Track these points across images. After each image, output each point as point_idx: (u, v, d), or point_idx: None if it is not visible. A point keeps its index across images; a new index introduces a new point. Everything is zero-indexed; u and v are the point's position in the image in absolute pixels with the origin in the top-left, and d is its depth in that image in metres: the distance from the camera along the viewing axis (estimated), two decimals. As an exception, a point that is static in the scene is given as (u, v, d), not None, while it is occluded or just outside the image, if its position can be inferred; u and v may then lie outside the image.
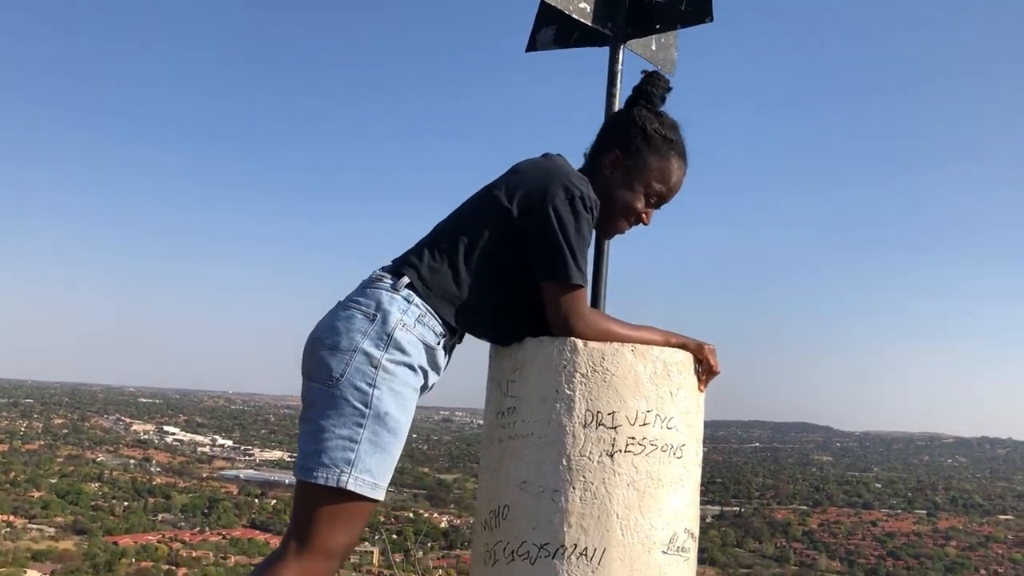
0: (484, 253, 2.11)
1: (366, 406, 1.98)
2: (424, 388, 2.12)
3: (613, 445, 2.04)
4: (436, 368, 2.14)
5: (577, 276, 2.08)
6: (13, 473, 75.30)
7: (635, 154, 2.22)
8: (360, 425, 1.97)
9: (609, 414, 2.05)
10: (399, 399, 2.03)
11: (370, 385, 1.99)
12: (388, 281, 2.09)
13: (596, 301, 2.54)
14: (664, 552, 2.06)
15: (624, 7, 2.57)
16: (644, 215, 2.27)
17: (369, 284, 2.11)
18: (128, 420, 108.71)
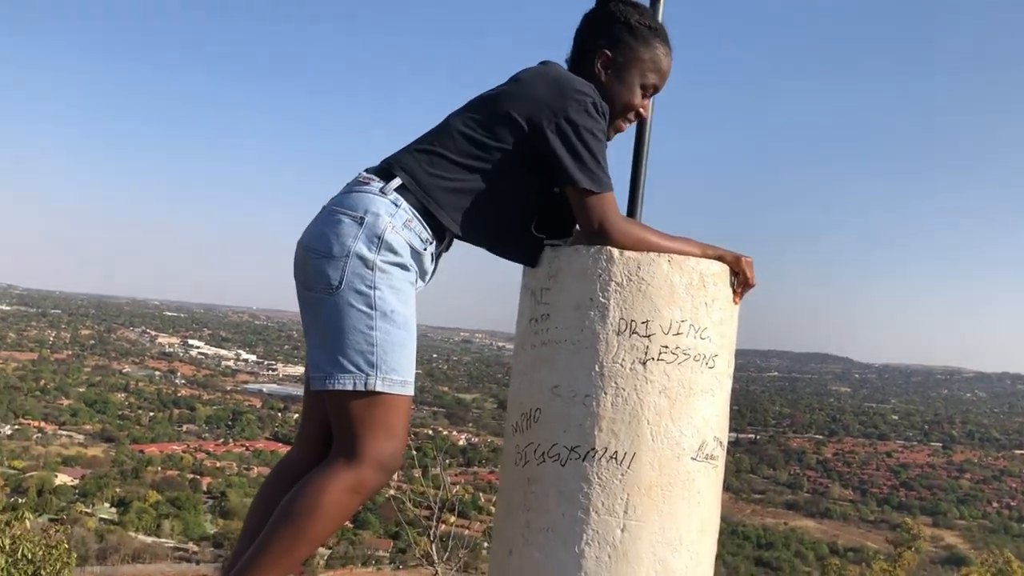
0: (489, 160, 2.08)
1: (371, 307, 1.97)
2: (416, 284, 2.10)
3: (646, 353, 2.04)
4: (423, 273, 2.12)
5: (605, 181, 2.07)
6: (43, 381, 77.18)
7: (624, 49, 2.19)
8: (371, 327, 1.97)
9: (643, 323, 2.05)
10: (400, 295, 2.02)
11: (370, 287, 1.97)
12: (376, 184, 2.05)
13: (633, 205, 2.51)
14: (693, 459, 2.08)
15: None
16: (643, 108, 2.25)
17: (355, 187, 2.08)
18: (153, 333, 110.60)
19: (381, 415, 1.98)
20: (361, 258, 1.98)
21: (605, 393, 2.03)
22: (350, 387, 1.95)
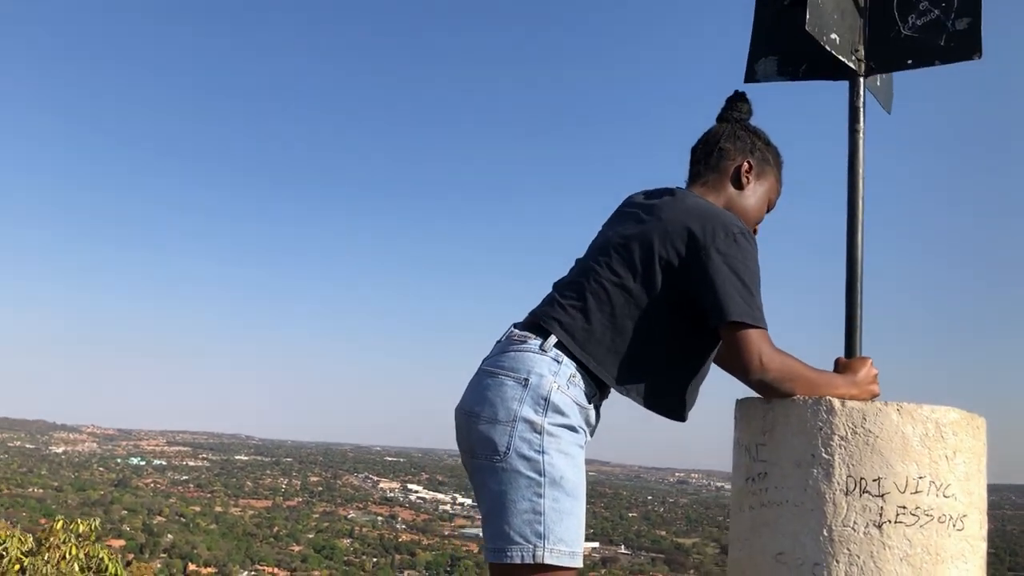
0: (640, 308, 2.00)
1: (540, 474, 1.88)
2: (584, 444, 2.01)
3: (881, 515, 1.84)
4: (590, 427, 2.03)
5: (760, 315, 1.94)
6: (276, 528, 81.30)
7: (762, 164, 2.22)
8: (539, 495, 1.88)
9: (874, 480, 1.85)
10: (570, 460, 1.92)
11: (539, 452, 1.89)
12: (534, 341, 1.99)
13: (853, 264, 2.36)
14: (948, 638, 1.82)
15: (869, 38, 2.40)
16: (760, 224, 2.26)
17: (510, 345, 2.02)
18: (375, 478, 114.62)
19: None
20: (528, 422, 1.91)
21: (837, 561, 1.84)
22: (518, 560, 1.86)
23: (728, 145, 2.22)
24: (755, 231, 2.23)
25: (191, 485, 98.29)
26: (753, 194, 2.20)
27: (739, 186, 2.19)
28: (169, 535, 70.00)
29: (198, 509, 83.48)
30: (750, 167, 2.20)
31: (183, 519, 78.05)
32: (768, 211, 2.26)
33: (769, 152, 2.24)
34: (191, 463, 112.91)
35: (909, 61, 2.37)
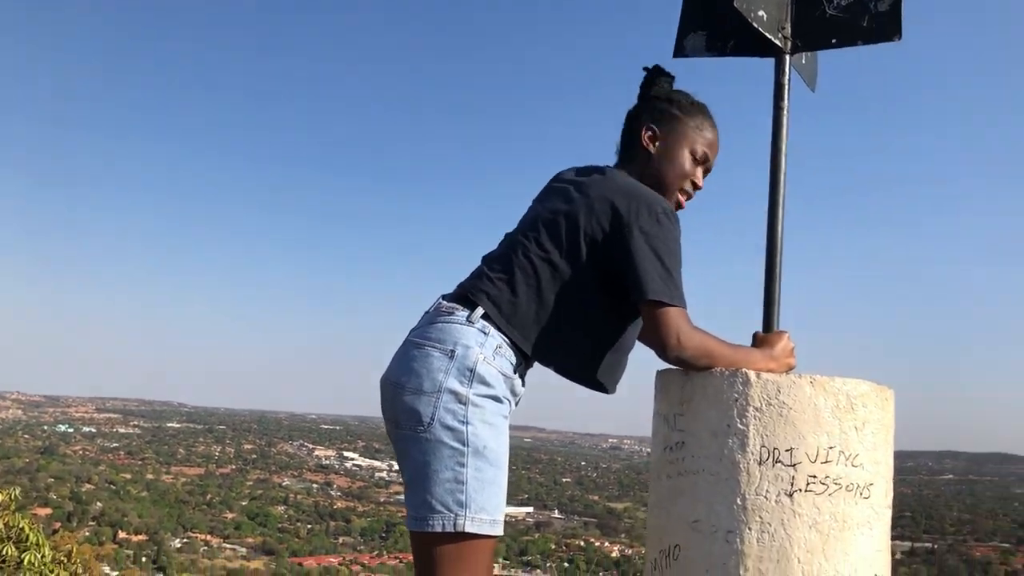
0: (562, 279, 2.03)
1: (463, 444, 1.91)
2: (508, 415, 2.05)
3: (792, 484, 1.89)
4: (516, 397, 2.07)
5: (679, 295, 1.99)
6: (209, 495, 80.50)
7: (670, 121, 2.21)
8: (462, 465, 1.91)
9: (787, 450, 1.91)
10: (494, 430, 1.96)
11: (462, 422, 1.92)
12: (461, 313, 2.02)
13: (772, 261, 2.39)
14: (852, 601, 1.89)
15: (795, 16, 2.44)
16: (696, 179, 2.22)
17: (438, 317, 2.04)
18: (311, 446, 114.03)
19: (467, 555, 1.91)
20: (453, 393, 1.93)
21: (749, 528, 1.89)
22: (439, 528, 1.89)
23: (636, 120, 2.25)
24: (694, 187, 2.21)
25: (121, 452, 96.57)
26: (664, 156, 2.20)
27: (647, 154, 2.21)
28: (98, 503, 68.82)
29: (128, 477, 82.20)
30: (653, 133, 2.21)
31: (113, 487, 76.72)
32: (701, 162, 2.22)
33: (678, 107, 2.22)
34: (121, 430, 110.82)
35: (833, 40, 2.41)
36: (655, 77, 2.28)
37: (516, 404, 2.09)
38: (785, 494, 1.89)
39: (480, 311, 2.01)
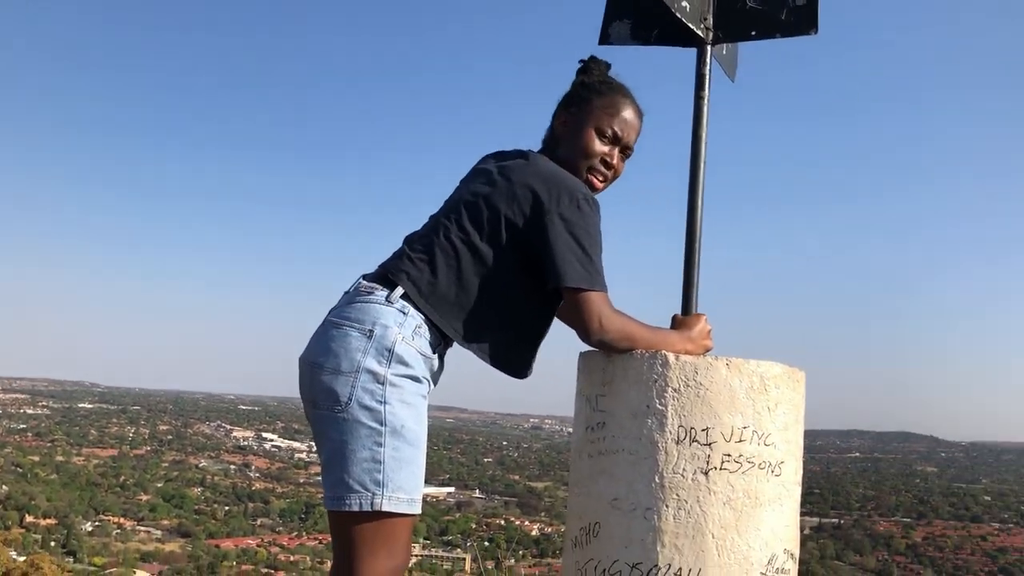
0: (482, 262, 2.05)
1: (381, 423, 1.93)
2: (427, 395, 2.07)
3: (708, 462, 1.96)
4: (434, 377, 2.09)
5: (599, 279, 2.03)
6: (123, 477, 78.53)
7: (579, 103, 2.24)
8: (379, 444, 1.92)
9: (703, 430, 1.98)
10: (412, 409, 1.98)
11: (380, 402, 1.93)
12: (380, 292, 2.03)
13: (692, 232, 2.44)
14: (763, 574, 1.97)
15: (717, 8, 2.49)
16: (608, 156, 2.21)
17: (357, 296, 2.05)
18: (228, 427, 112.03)
19: (384, 534, 1.93)
20: (371, 373, 1.94)
21: (667, 506, 1.96)
22: (356, 508, 1.91)
23: (556, 111, 2.28)
24: (606, 166, 2.21)
25: (29, 434, 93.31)
26: (570, 136, 2.21)
27: (556, 138, 2.24)
28: (4, 486, 66.47)
29: (37, 459, 79.50)
30: (564, 117, 2.24)
31: (20, 469, 74.18)
32: (612, 141, 2.21)
33: (590, 89, 2.24)
34: (30, 411, 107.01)
35: (752, 32, 2.48)
36: (588, 66, 2.30)
37: (435, 383, 2.11)
38: (701, 472, 1.96)
39: (400, 291, 2.02)
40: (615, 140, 2.22)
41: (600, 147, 2.21)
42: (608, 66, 2.31)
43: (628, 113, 2.23)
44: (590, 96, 2.23)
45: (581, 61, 2.32)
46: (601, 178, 2.23)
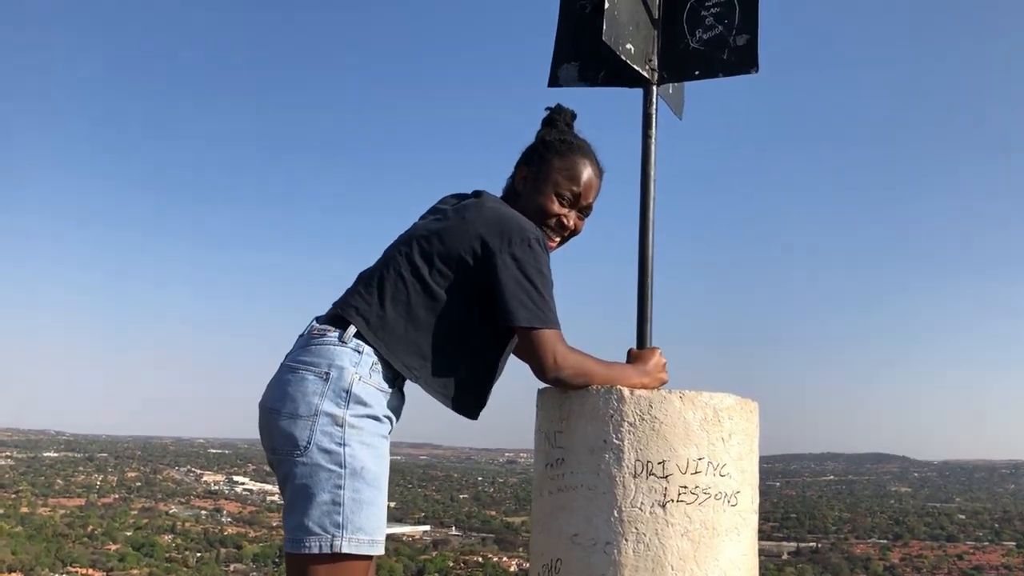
0: (432, 297, 2.06)
1: (340, 466, 1.93)
2: (389, 432, 2.08)
3: (665, 495, 1.99)
4: (396, 411, 2.10)
5: (551, 317, 2.05)
6: (91, 527, 76.82)
7: (538, 162, 2.27)
8: (339, 487, 1.93)
9: (659, 463, 2.01)
10: (371, 450, 1.99)
11: (339, 444, 1.94)
12: (333, 334, 2.04)
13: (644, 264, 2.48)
14: (723, 604, 2.00)
15: (661, 49, 2.56)
16: (565, 218, 2.25)
17: (311, 340, 2.06)
18: (199, 471, 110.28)
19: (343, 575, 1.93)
20: (330, 415, 1.95)
21: (626, 540, 1.98)
22: (316, 550, 1.91)
23: (519, 161, 2.33)
24: (562, 227, 2.24)
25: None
26: (527, 196, 2.25)
27: (516, 195, 2.27)
28: (-33, 541, 64.79)
29: (1, 511, 77.66)
30: (524, 172, 2.28)
31: (-17, 523, 72.39)
32: (570, 203, 2.24)
33: (551, 148, 2.27)
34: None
35: (696, 72, 2.55)
36: (552, 117, 2.34)
37: (399, 417, 2.12)
38: (659, 505, 1.99)
39: (352, 330, 2.04)
40: (573, 202, 2.26)
41: (557, 209, 2.25)
42: (574, 116, 2.36)
43: (587, 174, 2.27)
44: (550, 156, 2.26)
45: (548, 109, 2.36)
46: (558, 238, 2.28)
